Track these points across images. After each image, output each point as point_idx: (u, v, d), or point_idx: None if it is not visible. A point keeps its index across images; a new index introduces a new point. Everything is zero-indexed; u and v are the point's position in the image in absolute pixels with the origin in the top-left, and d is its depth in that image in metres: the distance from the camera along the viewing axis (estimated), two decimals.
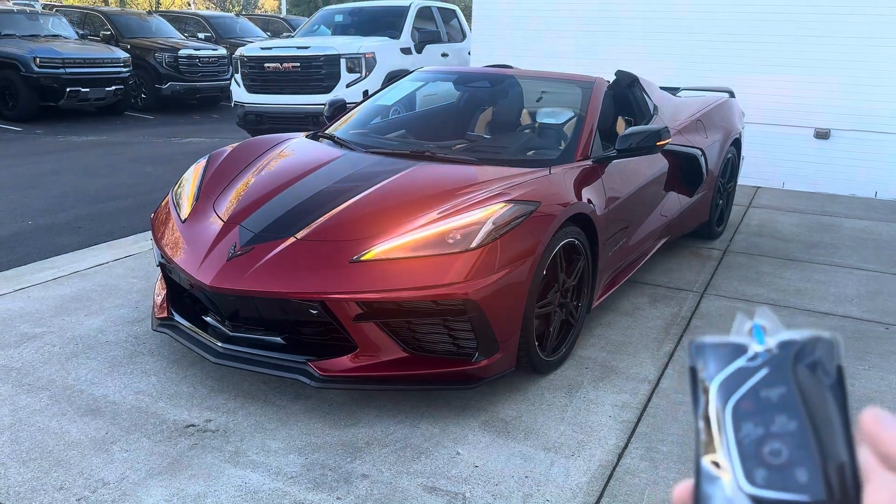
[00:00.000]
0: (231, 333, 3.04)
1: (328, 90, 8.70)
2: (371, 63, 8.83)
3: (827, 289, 4.61)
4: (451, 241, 2.87)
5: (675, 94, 5.72)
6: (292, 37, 10.94)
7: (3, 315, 3.82)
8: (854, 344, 3.79)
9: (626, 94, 4.68)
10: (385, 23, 10.13)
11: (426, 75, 4.80)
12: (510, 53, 8.57)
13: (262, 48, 9.23)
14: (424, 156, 3.74)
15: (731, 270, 4.92)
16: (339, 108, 4.68)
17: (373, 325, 2.83)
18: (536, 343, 3.17)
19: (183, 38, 15.57)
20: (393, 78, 4.88)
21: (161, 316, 3.32)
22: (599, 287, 3.76)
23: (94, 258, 4.81)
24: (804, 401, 0.42)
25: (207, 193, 3.52)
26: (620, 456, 2.74)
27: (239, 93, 9.35)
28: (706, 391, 0.44)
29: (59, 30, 13.49)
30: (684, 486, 0.46)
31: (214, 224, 3.23)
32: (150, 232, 3.77)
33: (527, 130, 4.30)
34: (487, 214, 2.95)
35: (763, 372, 0.43)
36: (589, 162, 3.74)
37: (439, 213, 3.03)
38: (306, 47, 8.92)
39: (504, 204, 3.02)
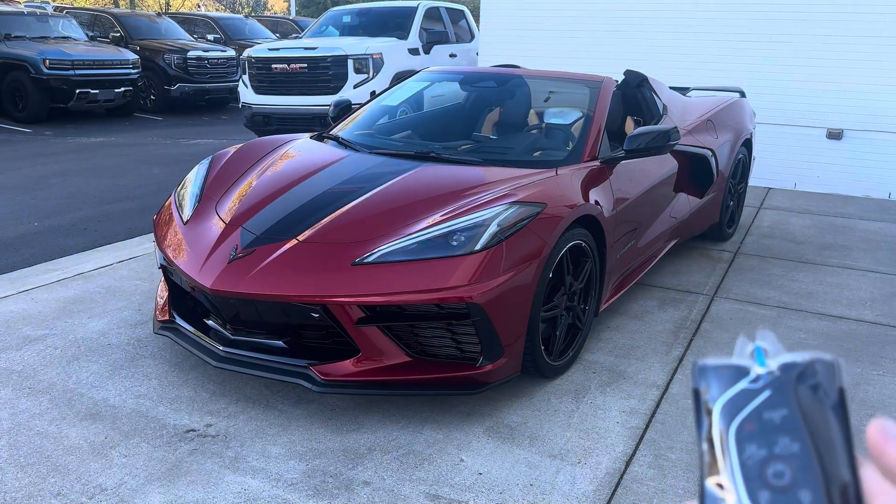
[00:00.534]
0: (232, 337, 3.00)
1: (336, 91, 8.66)
2: (379, 64, 8.79)
3: (840, 292, 4.53)
4: (455, 243, 2.82)
5: (685, 94, 5.64)
6: (300, 38, 10.91)
7: (5, 317, 3.80)
8: (868, 348, 3.71)
9: (634, 93, 4.62)
10: (393, 23, 10.09)
11: (432, 76, 4.75)
12: (518, 53, 8.51)
13: (270, 49, 9.21)
14: (429, 157, 3.69)
15: (741, 273, 4.84)
16: (345, 109, 4.64)
17: (375, 328, 2.78)
18: (542, 347, 3.11)
19: (192, 39, 15.60)
20: (400, 79, 4.85)
21: (162, 319, 3.29)
22: (607, 290, 3.70)
23: (99, 260, 4.79)
24: (807, 422, 0.43)
25: (210, 195, 3.49)
26: (628, 463, 2.68)
27: (246, 94, 9.33)
28: (709, 413, 0.44)
29: (68, 31, 13.54)
30: None
31: (216, 226, 3.19)
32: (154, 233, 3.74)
33: (533, 131, 4.25)
34: (492, 216, 2.90)
35: (766, 394, 0.44)
36: (597, 163, 3.68)
37: (443, 215, 2.98)
38: (314, 48, 8.89)
39: (509, 205, 2.97)
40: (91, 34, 14.55)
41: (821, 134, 7.46)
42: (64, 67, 12.08)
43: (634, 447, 2.78)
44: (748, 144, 5.61)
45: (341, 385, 2.80)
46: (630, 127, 4.47)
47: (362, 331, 2.77)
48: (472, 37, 11.24)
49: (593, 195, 3.42)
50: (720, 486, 0.43)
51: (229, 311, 2.95)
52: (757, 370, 0.44)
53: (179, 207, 3.49)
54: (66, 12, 15.32)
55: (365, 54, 8.73)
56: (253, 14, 29.55)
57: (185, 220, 3.35)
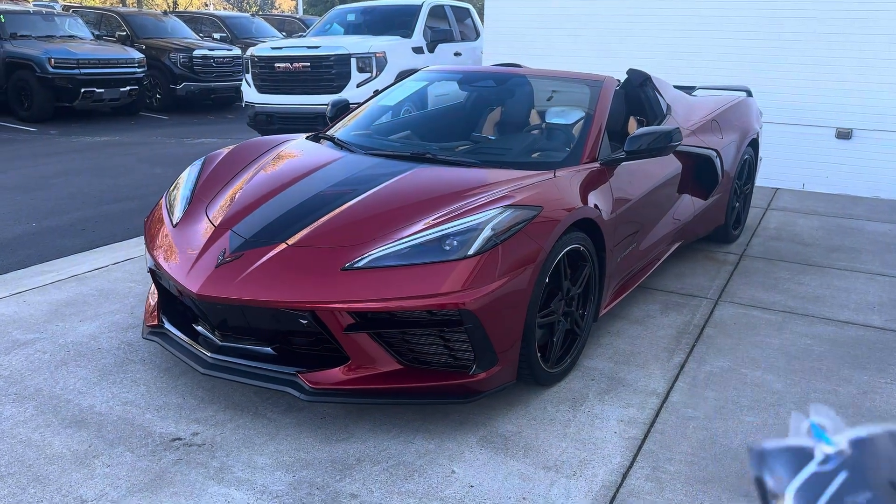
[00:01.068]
0: (221, 343, 2.93)
1: (339, 90, 8.60)
2: (382, 62, 8.72)
3: (847, 296, 4.43)
4: (447, 247, 2.74)
5: (690, 94, 5.54)
6: (304, 36, 10.85)
7: None
8: (875, 355, 3.61)
9: (637, 93, 4.53)
10: (398, 22, 10.01)
11: (430, 75, 4.67)
12: (523, 52, 8.42)
13: (273, 48, 9.16)
14: (425, 158, 3.61)
15: (747, 276, 4.74)
16: (342, 109, 4.57)
17: (365, 335, 2.70)
18: (539, 354, 3.03)
19: (198, 38, 15.58)
20: (404, 78, 4.78)
21: (151, 323, 3.23)
22: (607, 295, 3.62)
23: (95, 261, 4.74)
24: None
25: (201, 197, 3.42)
26: (625, 476, 2.59)
27: (249, 93, 9.28)
28: (778, 499, 0.41)
29: (74, 30, 13.53)
30: None
31: (205, 229, 3.13)
32: None
33: (533, 131, 4.16)
34: (486, 220, 2.82)
35: (842, 476, 0.41)
36: (596, 164, 3.59)
37: (436, 219, 2.90)
38: (316, 47, 8.83)
39: (504, 209, 2.89)
40: (97, 33, 14.55)
41: (830, 133, 7.34)
42: (69, 66, 12.07)
43: (632, 459, 2.70)
44: (755, 144, 5.51)
45: (330, 394, 2.73)
46: (633, 127, 4.38)
47: (352, 338, 2.69)
48: (478, 35, 11.15)
49: (592, 198, 3.34)
50: None
51: (217, 317, 2.89)
52: (824, 449, 0.42)
53: (170, 209, 3.42)
54: (73, 11, 15.33)
55: (368, 53, 8.66)
56: (260, 12, 29.52)
57: (174, 222, 3.29)
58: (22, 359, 3.34)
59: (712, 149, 4.70)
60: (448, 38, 10.15)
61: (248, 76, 9.27)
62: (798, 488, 0.40)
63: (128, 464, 2.59)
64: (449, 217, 2.90)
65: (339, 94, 8.49)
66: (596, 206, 3.32)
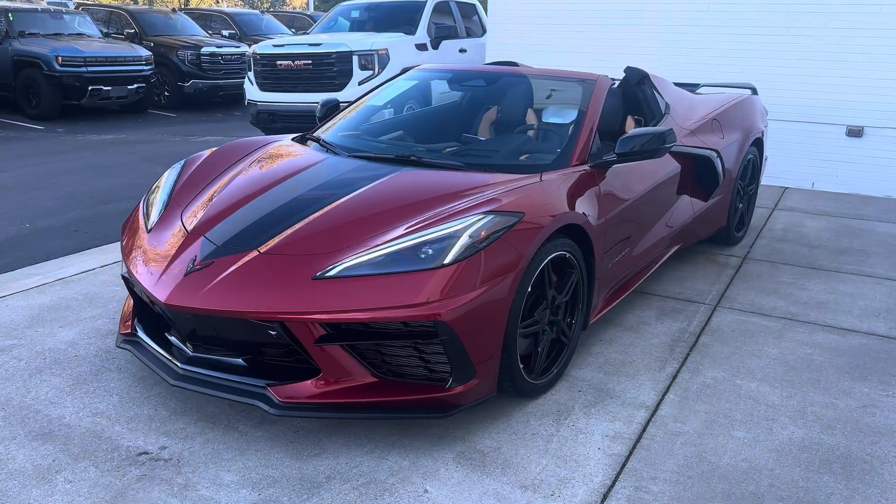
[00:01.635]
0: (191, 354, 2.84)
1: (340, 88, 8.51)
2: (384, 60, 8.61)
3: (853, 301, 4.27)
4: (423, 255, 2.63)
5: (694, 91, 5.39)
6: (308, 33, 10.77)
7: None
8: (877, 366, 3.46)
9: (635, 92, 4.39)
10: (402, 18, 9.90)
11: (420, 74, 4.55)
12: (526, 49, 8.29)
13: (275, 45, 9.08)
14: (409, 161, 3.50)
15: (748, 280, 4.60)
16: (332, 109, 4.47)
17: (338, 347, 2.60)
18: (522, 365, 2.92)
19: (206, 35, 15.54)
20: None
21: (125, 332, 3.14)
22: (598, 302, 3.50)
23: (83, 264, 4.67)
24: None
25: (178, 201, 3.33)
26: (605, 496, 2.48)
27: (252, 91, 9.21)
28: None
29: (83, 28, 13.53)
30: None
31: (179, 235, 3.04)
32: None
33: (523, 132, 4.03)
34: (464, 227, 2.71)
35: None
36: (586, 167, 3.46)
37: (413, 226, 2.79)
38: (318, 44, 8.73)
39: (483, 215, 2.77)
40: (106, 31, 14.55)
41: (840, 131, 7.14)
42: (76, 64, 12.07)
43: (614, 477, 2.58)
44: (759, 144, 5.35)
45: (301, 408, 2.63)
46: (631, 127, 4.25)
47: (324, 350, 2.59)
48: (484, 31, 11.00)
49: (580, 203, 3.21)
50: None
51: (186, 327, 2.80)
52: None
53: (146, 214, 3.34)
54: (83, 9, 15.35)
55: (370, 50, 8.56)
56: (272, 9, 29.51)
57: (149, 227, 3.20)
58: None
59: (712, 149, 4.55)
60: (453, 34, 10.03)
61: (251, 74, 9.20)
62: None
63: (90, 480, 2.51)
64: (426, 224, 2.79)
65: (341, 92, 8.40)
66: (584, 211, 3.19)
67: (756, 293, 4.37)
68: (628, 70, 4.45)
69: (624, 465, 2.65)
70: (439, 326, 2.54)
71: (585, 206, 3.23)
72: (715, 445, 2.78)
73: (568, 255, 3.07)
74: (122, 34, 14.74)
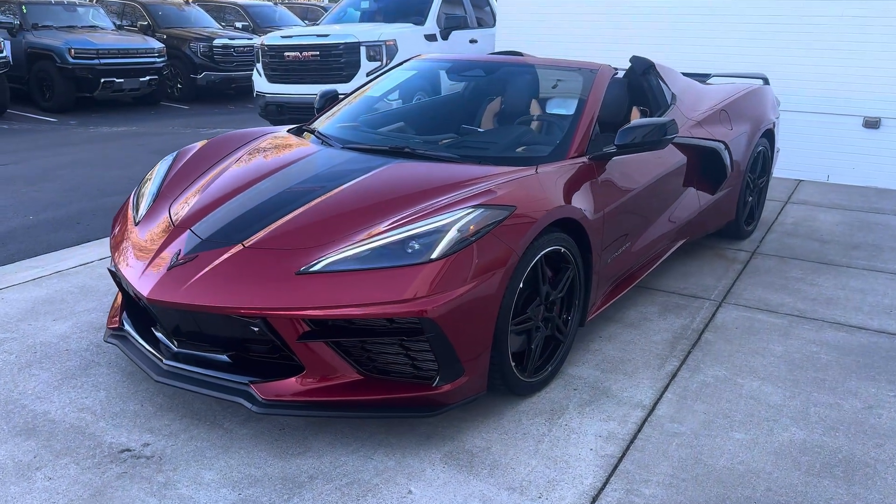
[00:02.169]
0: (176, 350, 2.79)
1: (348, 79, 8.43)
2: (392, 50, 8.53)
3: (863, 298, 4.15)
4: (410, 250, 2.56)
5: (705, 82, 5.26)
6: (318, 24, 10.70)
7: None
8: (886, 365, 3.35)
9: (640, 82, 4.28)
10: (412, 8, 9.79)
11: (420, 63, 4.47)
12: (535, 39, 8.18)
13: (283, 37, 9.02)
14: (403, 153, 3.42)
15: (756, 276, 4.48)
16: (331, 100, 4.40)
17: (322, 344, 2.54)
18: (515, 363, 2.84)
19: (219, 27, 15.53)
20: None
21: (112, 326, 3.10)
22: (597, 298, 3.41)
23: (82, 256, 4.65)
24: None
25: (167, 193, 3.28)
26: (594, 499, 2.40)
27: (260, 83, 9.16)
28: None
29: (96, 21, 13.56)
30: None
31: (165, 228, 2.99)
32: None
33: (521, 123, 3.94)
34: (453, 221, 2.63)
35: None
36: (584, 159, 3.36)
37: (401, 219, 2.72)
38: (326, 35, 8.66)
39: (473, 209, 2.69)
40: (119, 23, 14.57)
41: (857, 123, 6.97)
42: (89, 56, 12.10)
43: (605, 479, 2.50)
44: (769, 135, 5.21)
45: (285, 406, 2.57)
46: (636, 118, 4.14)
47: (308, 346, 2.53)
48: (496, 22, 10.87)
49: (577, 196, 3.12)
50: None
51: (170, 322, 2.75)
52: None
53: (136, 206, 3.29)
54: (96, 1, 15.39)
55: (378, 41, 8.48)
56: (285, 1, 29.47)
57: (137, 220, 3.15)
58: None
59: (720, 140, 4.44)
60: (463, 24, 9.91)
61: (259, 65, 9.15)
62: None
63: (70, 477, 2.47)
64: (415, 217, 2.71)
65: (350, 83, 8.32)
66: (580, 204, 3.10)
67: (764, 289, 4.26)
68: (634, 59, 4.34)
69: (616, 466, 2.57)
70: (425, 323, 2.47)
71: (582, 200, 3.14)
72: (712, 447, 2.69)
73: (563, 249, 2.98)
74: (136, 26, 14.75)
